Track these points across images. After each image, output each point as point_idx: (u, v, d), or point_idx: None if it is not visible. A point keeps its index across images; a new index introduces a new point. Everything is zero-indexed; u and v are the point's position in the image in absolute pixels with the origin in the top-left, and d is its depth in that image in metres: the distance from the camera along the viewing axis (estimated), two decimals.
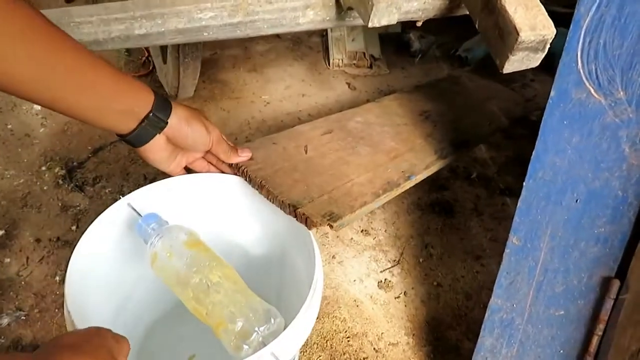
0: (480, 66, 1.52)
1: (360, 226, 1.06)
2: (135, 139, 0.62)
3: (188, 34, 0.61)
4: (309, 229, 0.62)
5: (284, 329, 0.54)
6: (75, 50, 0.54)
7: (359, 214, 0.66)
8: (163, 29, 0.59)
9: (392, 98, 1.10)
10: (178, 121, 0.63)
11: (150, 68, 1.41)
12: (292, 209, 0.63)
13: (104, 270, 0.67)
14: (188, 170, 0.71)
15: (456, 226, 1.08)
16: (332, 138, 0.83)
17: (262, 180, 0.66)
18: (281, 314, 0.78)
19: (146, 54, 1.45)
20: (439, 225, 1.08)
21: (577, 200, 0.59)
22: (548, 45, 0.60)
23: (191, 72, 1.03)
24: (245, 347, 0.55)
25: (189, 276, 0.59)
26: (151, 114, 0.60)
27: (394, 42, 1.58)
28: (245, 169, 0.67)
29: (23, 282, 0.92)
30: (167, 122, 0.62)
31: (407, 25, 1.61)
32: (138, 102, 0.59)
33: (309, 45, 1.58)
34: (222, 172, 0.71)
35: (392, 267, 0.99)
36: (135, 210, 0.67)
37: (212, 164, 0.72)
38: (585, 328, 0.59)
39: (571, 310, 0.60)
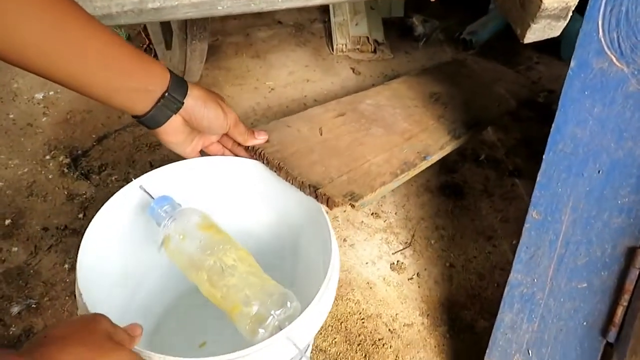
0: (485, 49, 1.51)
1: (370, 209, 1.05)
2: (151, 120, 0.60)
3: (202, 7, 0.60)
4: (330, 209, 0.61)
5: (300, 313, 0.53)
6: (89, 24, 0.52)
7: (379, 194, 0.66)
8: (177, 3, 0.58)
9: (401, 81, 1.09)
10: (194, 102, 0.61)
11: (152, 55, 1.39)
12: (313, 190, 0.62)
13: (115, 256, 0.66)
14: (203, 153, 0.70)
15: (466, 208, 1.08)
16: (346, 120, 0.82)
17: (280, 162, 0.65)
18: (298, 297, 0.78)
19: (147, 42, 1.43)
20: (449, 207, 1.07)
21: (599, 171, 0.59)
22: (570, 13, 0.59)
23: (198, 55, 1.02)
24: (262, 331, 0.54)
25: (202, 259, 0.58)
26: (167, 94, 0.59)
27: (397, 26, 1.56)
28: (262, 152, 0.66)
29: (32, 271, 0.91)
30: (183, 102, 0.60)
31: (410, 10, 1.59)
32: (153, 80, 0.58)
33: (311, 31, 1.56)
34: (237, 156, 0.70)
35: (404, 249, 0.99)
36: (147, 192, 0.66)
37: (227, 148, 0.71)
38: (610, 299, 0.59)
39: (595, 282, 0.60)
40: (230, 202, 0.73)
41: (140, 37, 1.45)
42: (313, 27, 1.58)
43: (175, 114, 0.61)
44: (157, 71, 0.58)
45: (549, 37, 0.62)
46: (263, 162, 0.67)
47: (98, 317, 0.46)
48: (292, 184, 0.64)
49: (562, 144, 0.60)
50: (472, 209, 1.07)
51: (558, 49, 1.49)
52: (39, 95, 1.26)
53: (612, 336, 0.58)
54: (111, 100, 0.57)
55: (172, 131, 0.63)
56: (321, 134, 0.75)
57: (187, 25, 0.92)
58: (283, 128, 0.74)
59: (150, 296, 0.74)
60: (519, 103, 1.18)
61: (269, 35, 1.53)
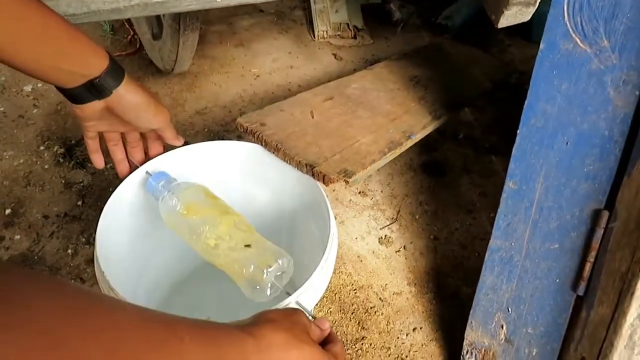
0: (460, 33, 1.57)
1: (357, 188, 1.11)
2: (72, 96, 0.61)
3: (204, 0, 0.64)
4: (327, 185, 0.66)
5: (300, 287, 0.58)
6: (34, 5, 0.53)
7: (369, 170, 0.71)
8: None
9: (383, 65, 1.15)
10: (125, 94, 0.62)
11: (137, 46, 1.41)
12: (310, 168, 0.67)
13: (126, 234, 0.71)
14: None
15: (447, 184, 1.14)
16: (334, 104, 0.87)
17: (278, 144, 0.70)
18: (293, 275, 0.83)
19: (131, 33, 1.45)
20: (431, 184, 1.14)
21: (567, 143, 0.65)
22: (539, 0, 0.65)
23: (190, 45, 1.05)
24: (261, 284, 0.58)
25: (202, 224, 0.62)
26: (97, 80, 0.59)
27: (376, 12, 1.61)
28: (261, 134, 0.71)
29: (36, 257, 0.94)
30: (111, 93, 0.61)
31: None
32: (88, 66, 0.59)
33: (292, 19, 1.60)
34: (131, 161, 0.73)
35: (390, 224, 1.05)
36: (135, 163, 0.71)
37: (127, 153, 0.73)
38: (579, 257, 0.66)
39: (565, 243, 0.67)
40: (229, 184, 0.78)
41: (125, 29, 1.47)
42: (294, 15, 1.62)
43: (98, 99, 0.61)
44: (95, 58, 0.59)
45: (520, 21, 0.68)
46: (261, 144, 0.72)
47: (299, 312, 0.50)
48: (289, 163, 0.69)
49: (534, 119, 0.66)
50: (453, 185, 1.14)
51: (529, 32, 1.56)
52: (28, 88, 1.28)
53: (581, 290, 0.65)
54: (39, 75, 0.58)
55: (88, 111, 0.63)
56: (313, 117, 0.80)
57: (181, 15, 0.95)
58: (277, 112, 0.79)
59: (159, 273, 0.78)
60: (494, 84, 1.25)
61: (251, 23, 1.56)
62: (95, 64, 0.59)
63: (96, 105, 0.62)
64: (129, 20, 1.47)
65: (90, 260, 0.94)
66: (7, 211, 1.01)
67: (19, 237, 0.97)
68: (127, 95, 0.62)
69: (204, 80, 1.34)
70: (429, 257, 1.00)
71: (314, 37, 1.51)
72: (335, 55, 1.47)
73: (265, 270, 0.58)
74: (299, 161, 0.68)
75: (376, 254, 0.99)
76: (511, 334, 0.74)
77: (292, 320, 0.48)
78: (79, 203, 1.03)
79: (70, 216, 1.01)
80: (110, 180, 1.07)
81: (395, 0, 1.61)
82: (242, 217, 0.65)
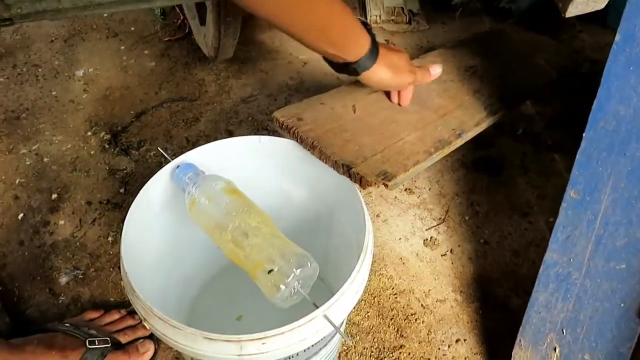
0: (525, 17, 1.45)
1: (404, 185, 1.05)
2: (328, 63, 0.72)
3: None
4: (364, 188, 0.61)
5: (333, 293, 0.54)
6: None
7: (412, 173, 0.66)
8: None
9: (436, 54, 1.07)
10: (371, 75, 0.70)
11: (187, 31, 1.40)
12: (346, 169, 0.62)
13: (157, 231, 0.69)
14: None
15: (502, 183, 1.06)
16: (379, 97, 0.81)
17: (314, 141, 0.65)
18: (328, 277, 0.79)
19: (181, 17, 1.44)
20: (484, 182, 1.06)
21: None
22: None
23: (232, 32, 1.02)
24: (283, 287, 0.54)
25: (227, 220, 0.59)
26: (352, 65, 0.68)
27: None
28: (296, 130, 0.67)
29: (78, 243, 0.95)
30: (359, 74, 0.69)
31: None
32: (349, 54, 0.67)
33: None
34: None
35: (437, 225, 0.98)
36: (166, 156, 0.68)
37: None
38: None
39: (633, 263, 0.59)
40: (262, 181, 0.74)
41: (175, 13, 1.46)
42: None
43: (348, 75, 0.71)
44: (357, 48, 0.67)
45: (593, 10, 0.59)
46: (297, 141, 0.67)
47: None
48: (325, 162, 0.65)
49: (604, 121, 0.58)
50: (508, 185, 1.06)
51: (604, 16, 1.42)
52: (79, 72, 1.30)
53: None
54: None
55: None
56: (354, 112, 0.75)
57: (221, 1, 0.92)
58: (316, 106, 0.74)
59: (190, 270, 0.77)
60: (560, 74, 1.14)
61: None
62: (355, 53, 0.67)
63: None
64: (179, 5, 1.46)
65: None
66: (54, 196, 1.03)
67: (62, 222, 0.99)
68: (374, 75, 0.70)
69: (250, 66, 1.31)
70: (477, 262, 0.93)
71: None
72: (387, 41, 1.40)
73: (289, 275, 0.55)
74: (335, 161, 0.63)
75: (420, 257, 0.93)
76: (565, 358, 0.67)
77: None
78: (121, 190, 1.04)
79: (112, 203, 1.01)
80: (153, 168, 1.07)
81: None
82: (267, 215, 0.61)
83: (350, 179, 0.62)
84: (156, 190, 0.67)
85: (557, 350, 0.68)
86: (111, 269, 0.91)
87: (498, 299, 0.88)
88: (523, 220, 0.99)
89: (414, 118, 0.77)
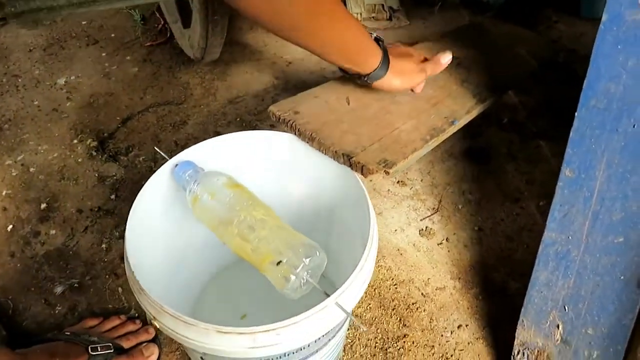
0: (503, 10, 1.48)
1: (395, 177, 1.06)
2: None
3: None
4: (365, 176, 0.62)
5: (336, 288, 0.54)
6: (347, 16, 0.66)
7: (410, 160, 0.66)
8: None
9: (421, 47, 1.08)
10: (382, 84, 0.74)
11: (168, 35, 1.39)
12: (347, 159, 0.63)
13: (159, 230, 0.68)
14: None
15: (492, 171, 1.08)
16: (371, 89, 0.82)
17: (312, 133, 0.66)
18: (329, 273, 0.79)
19: (162, 22, 1.43)
20: (474, 171, 1.08)
21: (634, 126, 0.58)
22: None
23: (220, 31, 1.02)
24: (293, 277, 0.54)
25: (233, 214, 0.59)
26: (364, 77, 0.72)
27: None
28: (294, 123, 0.67)
29: (71, 252, 0.93)
30: (371, 83, 0.74)
31: None
32: (360, 67, 0.71)
33: None
34: None
35: (431, 215, 1.00)
36: (164, 155, 0.68)
37: None
38: None
39: (631, 236, 0.60)
40: (262, 176, 0.74)
41: (155, 18, 1.45)
42: None
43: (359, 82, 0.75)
44: (367, 65, 0.71)
45: None
46: (295, 134, 0.68)
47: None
48: (325, 153, 0.65)
49: (595, 100, 0.60)
50: (498, 173, 1.08)
51: (577, 8, 1.46)
52: (61, 81, 1.28)
53: None
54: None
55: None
56: (348, 104, 0.76)
57: (208, 2, 0.92)
58: (311, 99, 0.74)
59: (191, 270, 0.76)
60: (540, 64, 1.17)
61: None
62: (368, 67, 0.71)
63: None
64: (159, 9, 1.45)
65: None
66: (43, 206, 1.01)
67: (54, 232, 0.97)
68: (385, 84, 0.74)
69: (235, 68, 1.31)
70: (473, 249, 0.94)
71: None
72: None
73: (298, 265, 0.54)
74: (335, 151, 0.63)
75: (417, 247, 0.94)
76: (568, 334, 0.69)
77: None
78: (112, 197, 1.02)
79: (103, 210, 1.00)
80: (143, 174, 1.06)
81: None
82: (270, 209, 0.61)
83: (351, 168, 0.63)
84: (156, 190, 0.66)
85: (560, 327, 0.69)
86: (107, 276, 0.90)
87: (496, 284, 0.89)
88: (514, 206, 1.01)
89: (407, 108, 0.78)
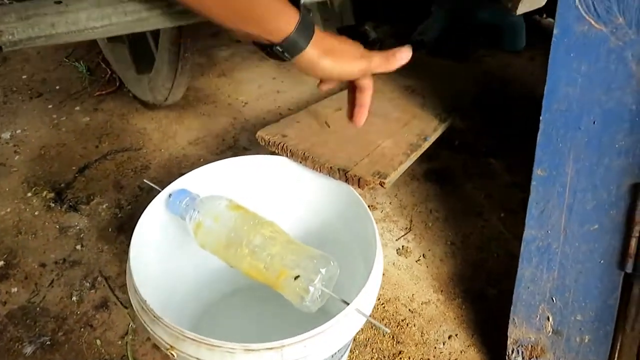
0: (435, 47, 1.61)
1: (365, 202, 1.09)
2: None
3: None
4: (362, 189, 0.64)
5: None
6: None
7: (399, 171, 0.70)
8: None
9: (375, 79, 1.15)
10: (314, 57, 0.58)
11: (117, 84, 1.37)
12: (343, 173, 0.65)
13: (154, 259, 0.66)
14: None
15: (452, 190, 1.14)
16: (345, 113, 0.86)
17: (305, 152, 0.68)
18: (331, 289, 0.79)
19: (109, 72, 1.42)
20: (437, 191, 1.13)
21: (594, 122, 0.65)
22: None
23: (188, 69, 1.03)
24: (312, 289, 0.54)
25: (240, 235, 0.58)
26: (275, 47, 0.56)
27: (352, 34, 1.62)
28: (285, 145, 0.69)
29: (38, 309, 0.87)
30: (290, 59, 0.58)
31: (360, 18, 1.67)
32: (270, 33, 0.55)
33: None
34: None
35: (405, 234, 1.03)
36: (155, 187, 0.67)
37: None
38: (622, 235, 0.65)
39: (605, 222, 0.66)
40: (257, 201, 0.74)
41: (101, 68, 1.43)
42: None
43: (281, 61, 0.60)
44: (278, 31, 0.56)
45: (537, 7, 0.69)
46: (286, 155, 0.69)
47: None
48: (320, 171, 0.67)
49: (557, 103, 0.67)
50: (458, 190, 1.14)
51: (501, 42, 1.62)
52: (6, 135, 1.22)
53: (629, 267, 0.64)
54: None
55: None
56: (329, 127, 0.79)
57: (181, 40, 0.93)
58: (294, 124, 0.77)
59: (186, 298, 0.73)
60: (478, 91, 1.28)
61: (230, 53, 1.55)
62: (277, 33, 0.55)
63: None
64: (104, 60, 1.43)
65: (99, 306, 0.87)
66: (1, 263, 0.93)
67: (15, 289, 0.90)
68: (310, 61, 0.59)
69: (191, 111, 1.31)
70: (449, 262, 0.98)
71: None
72: None
73: (315, 277, 0.55)
74: (331, 167, 0.66)
75: (397, 266, 0.97)
76: (559, 324, 0.73)
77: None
78: (78, 247, 0.97)
79: (69, 262, 0.94)
80: (108, 221, 1.01)
81: (369, 22, 1.64)
82: (276, 224, 0.61)
83: (348, 182, 0.65)
84: (151, 224, 0.64)
85: (550, 318, 0.73)
86: (82, 329, 0.84)
87: (476, 292, 0.93)
88: (479, 219, 1.07)
89: (382, 128, 0.83)
